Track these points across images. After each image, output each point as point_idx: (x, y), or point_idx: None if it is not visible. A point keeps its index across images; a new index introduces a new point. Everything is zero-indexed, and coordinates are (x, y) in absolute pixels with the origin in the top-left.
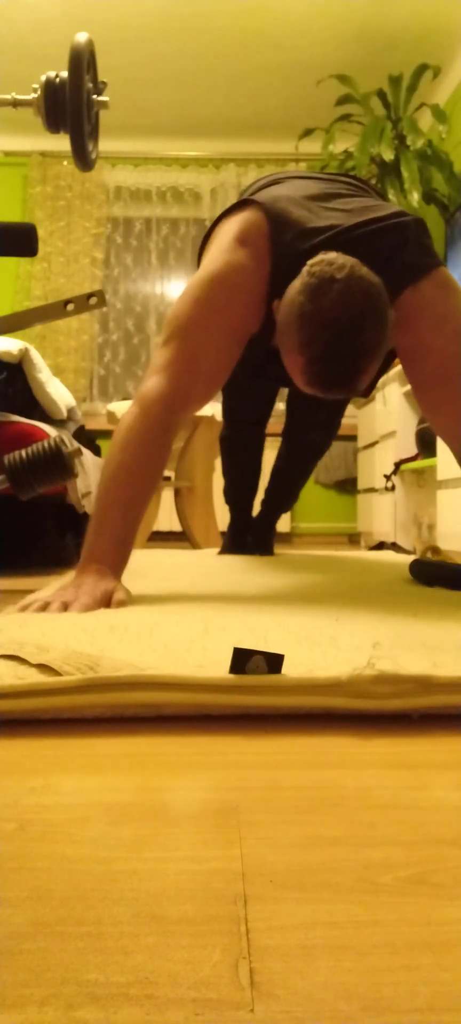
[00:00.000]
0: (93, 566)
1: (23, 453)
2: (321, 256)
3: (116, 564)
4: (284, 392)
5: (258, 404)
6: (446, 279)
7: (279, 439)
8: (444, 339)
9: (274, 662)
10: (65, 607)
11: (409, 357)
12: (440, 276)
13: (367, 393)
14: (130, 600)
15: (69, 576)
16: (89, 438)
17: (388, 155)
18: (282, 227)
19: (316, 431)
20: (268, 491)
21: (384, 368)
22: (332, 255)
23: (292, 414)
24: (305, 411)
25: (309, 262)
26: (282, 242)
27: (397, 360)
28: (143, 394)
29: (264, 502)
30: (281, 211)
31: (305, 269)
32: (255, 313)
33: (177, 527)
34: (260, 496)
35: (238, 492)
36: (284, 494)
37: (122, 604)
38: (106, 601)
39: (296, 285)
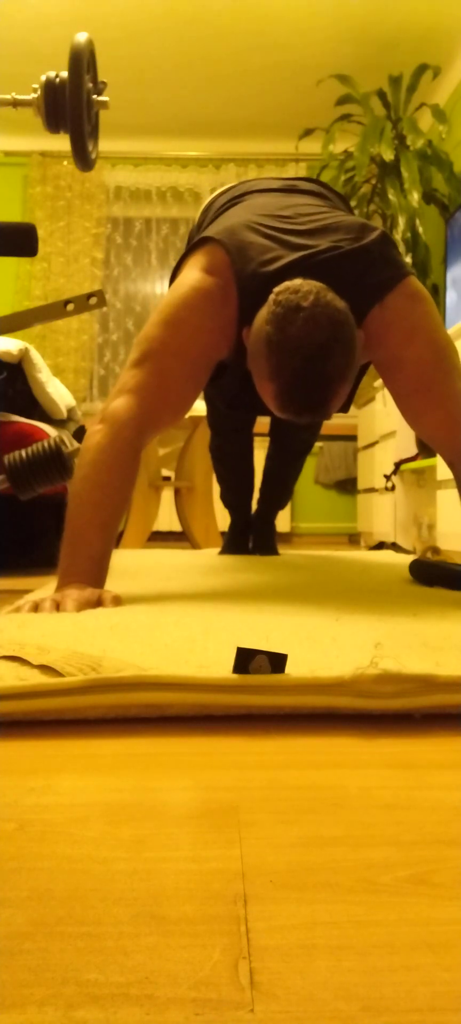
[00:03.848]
0: (74, 582)
1: (23, 453)
2: (286, 284)
3: (95, 582)
4: None
5: (240, 416)
6: (413, 290)
7: (267, 439)
8: (416, 349)
9: (277, 662)
10: (57, 606)
11: (384, 370)
12: (407, 288)
13: (345, 409)
14: (122, 600)
15: (50, 586)
16: None
17: (388, 155)
18: (244, 259)
19: (301, 433)
20: (262, 491)
21: (358, 381)
22: (297, 282)
23: (276, 425)
24: (287, 425)
25: (275, 290)
26: (246, 273)
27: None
28: (113, 414)
29: (259, 501)
30: (240, 243)
31: (271, 298)
32: (224, 339)
33: (177, 527)
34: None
35: (234, 495)
36: (278, 492)
37: (118, 601)
38: (94, 603)
39: (263, 314)
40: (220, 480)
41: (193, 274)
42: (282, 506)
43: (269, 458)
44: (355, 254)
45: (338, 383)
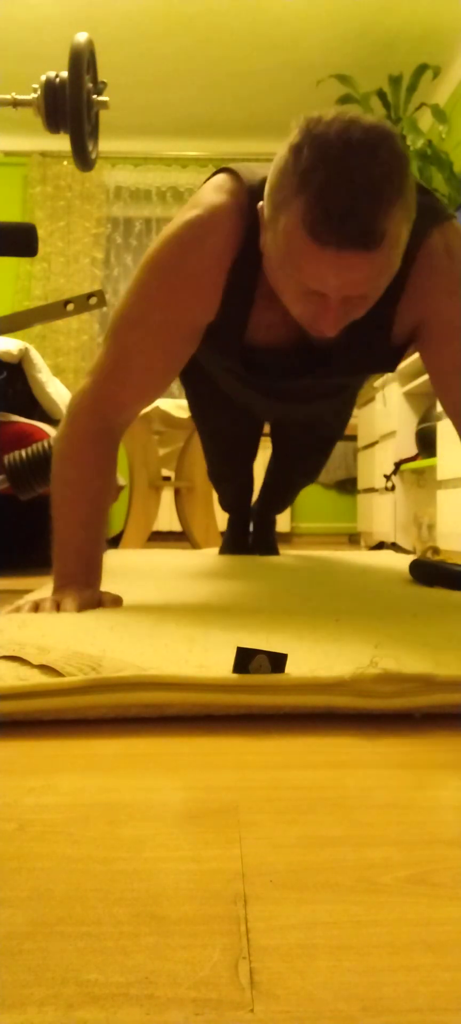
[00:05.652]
0: (68, 583)
1: (23, 453)
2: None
3: (89, 581)
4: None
5: (241, 458)
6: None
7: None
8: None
9: (277, 661)
10: (57, 606)
11: (427, 336)
12: (450, 231)
13: (393, 365)
14: (123, 601)
15: (50, 586)
16: None
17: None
18: (251, 176)
19: (304, 463)
20: (260, 499)
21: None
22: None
23: (277, 456)
24: (291, 450)
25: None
26: (256, 177)
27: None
28: (70, 404)
29: (258, 502)
30: (248, 168)
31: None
32: (208, 296)
33: (177, 527)
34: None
35: (232, 508)
36: (277, 503)
37: (118, 603)
38: (95, 605)
39: (282, 148)
40: (219, 498)
41: (180, 216)
42: (281, 511)
43: (269, 473)
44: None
45: (394, 199)
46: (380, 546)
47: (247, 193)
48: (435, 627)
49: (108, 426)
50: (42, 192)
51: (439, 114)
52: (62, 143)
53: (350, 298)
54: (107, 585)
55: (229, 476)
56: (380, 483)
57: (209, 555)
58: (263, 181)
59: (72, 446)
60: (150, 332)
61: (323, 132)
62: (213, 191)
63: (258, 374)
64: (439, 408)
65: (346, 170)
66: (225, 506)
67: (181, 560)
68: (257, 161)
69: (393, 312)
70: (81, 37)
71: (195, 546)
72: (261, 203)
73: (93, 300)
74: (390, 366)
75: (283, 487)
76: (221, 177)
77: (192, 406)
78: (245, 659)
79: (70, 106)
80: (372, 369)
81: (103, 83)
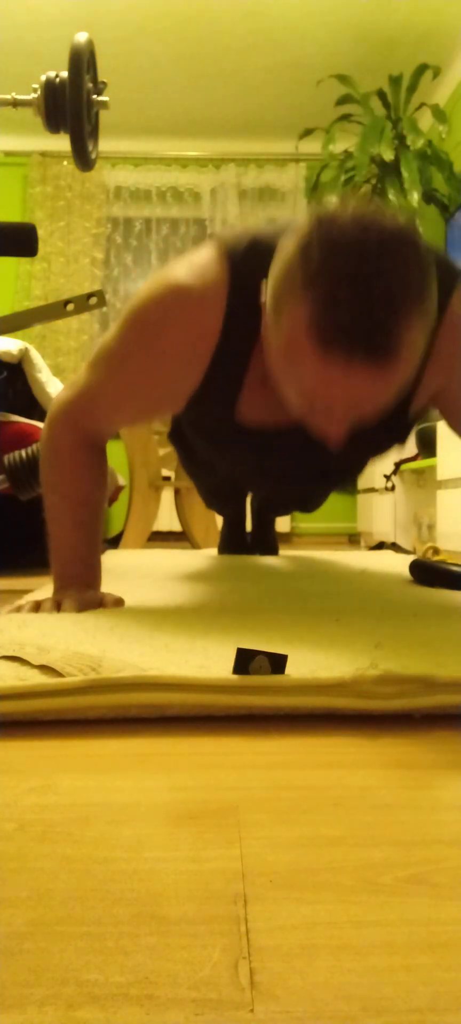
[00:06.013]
0: (67, 585)
1: (23, 453)
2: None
3: (91, 584)
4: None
5: (233, 501)
6: None
7: None
8: None
9: (277, 662)
10: (58, 606)
11: (447, 397)
12: None
13: (405, 437)
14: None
15: (50, 586)
16: None
17: (388, 155)
18: (241, 240)
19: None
20: (258, 502)
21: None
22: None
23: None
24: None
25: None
26: (241, 246)
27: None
28: (51, 411)
29: (255, 502)
30: (232, 235)
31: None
32: (188, 369)
33: (177, 527)
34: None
35: (225, 520)
36: (274, 516)
37: (119, 603)
38: (96, 606)
39: (289, 239)
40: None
41: (166, 275)
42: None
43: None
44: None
45: (412, 309)
46: (380, 546)
47: (230, 271)
48: (435, 627)
49: (86, 436)
50: (42, 192)
51: (439, 114)
52: (62, 143)
53: (359, 413)
54: (107, 586)
55: (221, 510)
56: (380, 483)
57: (209, 555)
58: (250, 248)
59: (53, 453)
60: (126, 384)
61: (336, 230)
62: (197, 264)
63: (250, 451)
64: None
65: (360, 277)
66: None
67: (181, 560)
68: (257, 161)
69: (414, 391)
70: (81, 37)
71: (195, 546)
72: (264, 282)
73: (93, 300)
74: (403, 439)
75: (276, 514)
76: (206, 250)
77: (181, 461)
78: (245, 660)
79: (70, 106)
80: (387, 448)
81: (103, 83)
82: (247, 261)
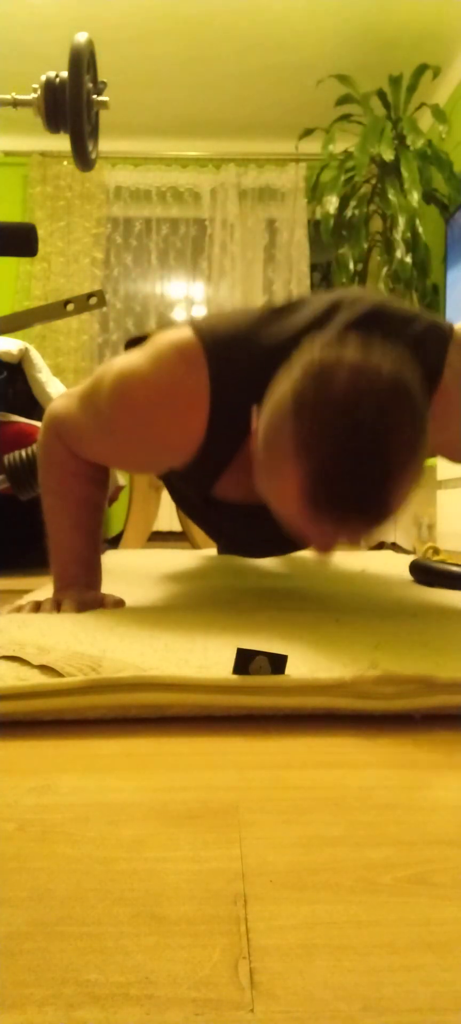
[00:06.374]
0: (67, 586)
1: (23, 453)
2: (311, 340)
3: (91, 584)
4: None
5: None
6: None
7: None
8: None
9: (277, 663)
10: (58, 606)
11: (446, 448)
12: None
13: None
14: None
15: (50, 587)
16: None
17: (388, 155)
18: (219, 333)
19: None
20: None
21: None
22: (327, 335)
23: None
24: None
25: (300, 350)
26: (219, 355)
27: None
28: (47, 415)
29: None
30: (212, 326)
31: (294, 359)
32: (174, 456)
33: (177, 527)
34: None
35: None
36: None
37: (120, 604)
38: (95, 606)
39: (284, 381)
40: None
41: (154, 348)
42: None
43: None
44: (396, 314)
45: (402, 470)
46: (380, 546)
47: (213, 370)
48: (435, 627)
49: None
50: (42, 192)
51: (439, 114)
52: (62, 143)
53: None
54: (107, 586)
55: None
56: None
57: (209, 555)
58: (230, 342)
59: (48, 457)
60: (111, 448)
61: (328, 388)
62: (183, 355)
63: (226, 520)
64: None
65: (352, 444)
66: None
67: (181, 560)
68: (257, 161)
69: None
70: (81, 37)
71: (195, 546)
72: (255, 408)
73: (93, 300)
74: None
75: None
76: (188, 344)
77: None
78: (245, 660)
79: (70, 106)
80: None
81: (103, 83)
82: (230, 361)
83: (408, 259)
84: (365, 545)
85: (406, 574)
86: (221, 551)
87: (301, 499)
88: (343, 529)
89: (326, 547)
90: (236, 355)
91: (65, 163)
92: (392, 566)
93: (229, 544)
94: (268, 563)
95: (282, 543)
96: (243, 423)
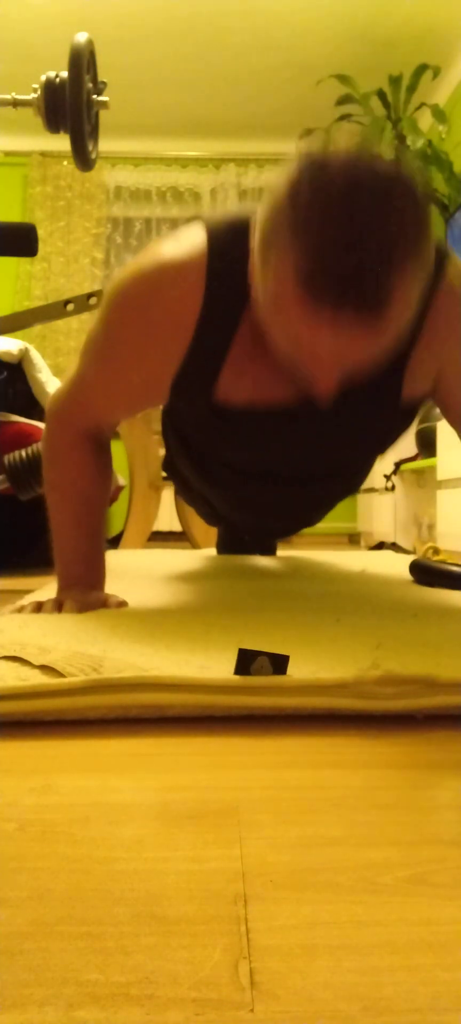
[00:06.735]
0: (70, 584)
1: (23, 453)
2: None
3: (94, 584)
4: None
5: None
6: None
7: None
8: None
9: (279, 663)
10: (59, 606)
11: (444, 385)
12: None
13: (404, 426)
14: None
15: (51, 586)
16: None
17: (388, 155)
18: (216, 216)
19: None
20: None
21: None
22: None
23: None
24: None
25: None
26: (219, 224)
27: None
28: (48, 407)
29: None
30: (213, 212)
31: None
32: (170, 343)
33: (177, 527)
34: None
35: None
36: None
37: (122, 606)
38: (98, 606)
39: (278, 181)
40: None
41: (147, 256)
42: None
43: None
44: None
45: (406, 259)
46: (380, 546)
47: (210, 238)
48: (435, 627)
49: (85, 432)
50: (42, 192)
51: (439, 114)
52: (62, 143)
53: (348, 366)
54: (107, 586)
55: (220, 525)
56: (380, 483)
57: (209, 555)
58: (231, 220)
59: (52, 450)
60: (113, 367)
61: (325, 170)
62: (175, 237)
63: (238, 448)
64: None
65: (351, 224)
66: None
67: (181, 560)
68: (257, 161)
69: (404, 365)
70: (81, 37)
71: (195, 546)
72: (252, 227)
73: (93, 300)
74: (400, 428)
75: (277, 538)
76: (185, 227)
77: (178, 490)
78: (246, 661)
79: (70, 106)
80: (379, 433)
81: (103, 83)
82: (229, 228)
83: None
84: (363, 380)
85: (406, 574)
86: (221, 550)
87: (297, 284)
88: (342, 329)
89: (326, 373)
90: (234, 224)
91: (65, 163)
92: (392, 566)
93: (237, 507)
94: (268, 563)
95: (300, 477)
96: (242, 288)
